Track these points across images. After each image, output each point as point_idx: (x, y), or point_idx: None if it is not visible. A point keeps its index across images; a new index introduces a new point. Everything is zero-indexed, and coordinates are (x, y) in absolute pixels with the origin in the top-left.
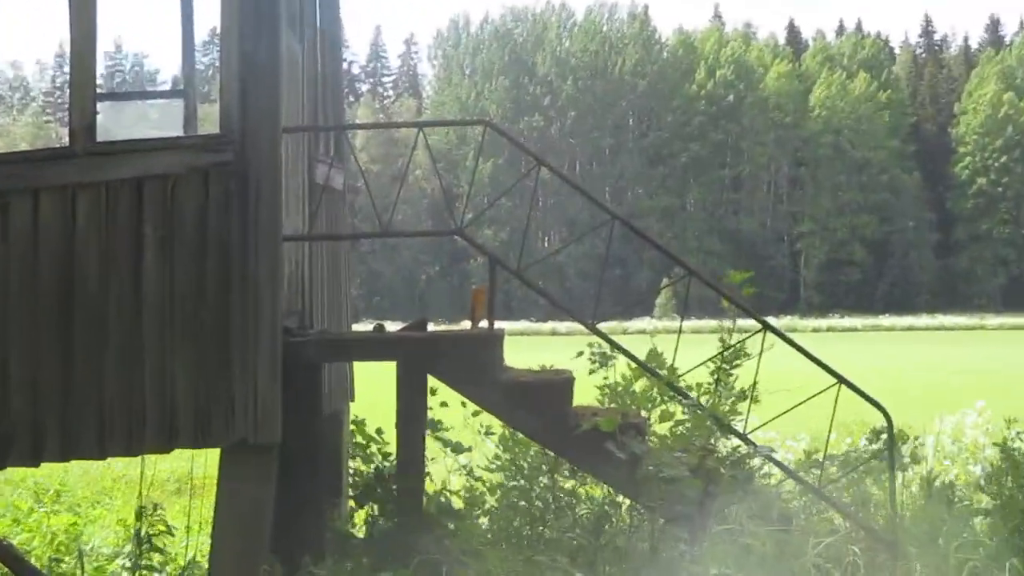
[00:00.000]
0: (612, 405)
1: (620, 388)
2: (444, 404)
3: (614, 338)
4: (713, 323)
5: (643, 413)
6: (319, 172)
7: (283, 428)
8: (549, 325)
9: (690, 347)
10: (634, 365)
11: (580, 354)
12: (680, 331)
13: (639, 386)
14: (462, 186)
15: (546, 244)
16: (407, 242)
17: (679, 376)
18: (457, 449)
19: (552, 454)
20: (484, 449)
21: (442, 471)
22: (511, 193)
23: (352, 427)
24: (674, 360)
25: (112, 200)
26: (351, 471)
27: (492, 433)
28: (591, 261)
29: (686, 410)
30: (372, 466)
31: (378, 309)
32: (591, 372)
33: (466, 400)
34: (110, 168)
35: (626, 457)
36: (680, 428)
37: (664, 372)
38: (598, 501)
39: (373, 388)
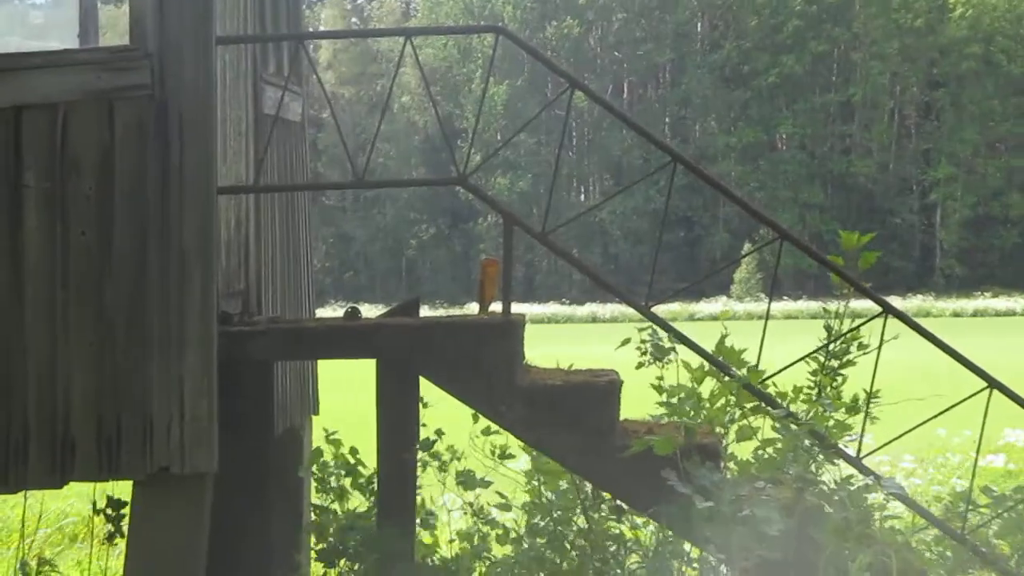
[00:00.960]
0: (674, 418)
1: (683, 395)
2: (440, 433)
3: (677, 326)
4: (814, 305)
5: (717, 430)
6: (268, 99)
7: (220, 452)
8: (587, 309)
9: (783, 337)
10: (703, 363)
11: (626, 342)
12: (768, 316)
13: (710, 392)
14: (467, 118)
15: (583, 197)
16: (391, 196)
17: (767, 378)
18: (470, 484)
19: (591, 486)
20: (500, 481)
21: (441, 510)
22: (534, 127)
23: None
24: (760, 355)
25: None
26: (314, 510)
27: (511, 456)
28: (645, 220)
29: (777, 426)
30: (343, 504)
31: (351, 287)
32: (639, 366)
33: (475, 413)
34: None
35: (692, 491)
36: (768, 451)
37: (744, 372)
38: (654, 551)
39: (344, 398)
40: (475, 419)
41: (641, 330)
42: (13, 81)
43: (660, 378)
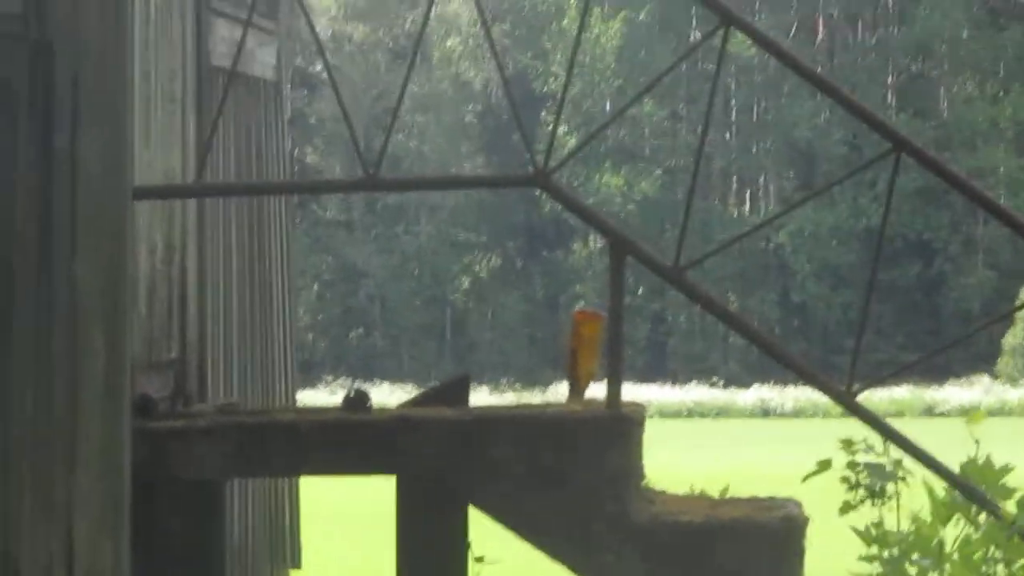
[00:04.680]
0: None
1: (908, 543)
2: None
3: (906, 426)
4: None
5: None
6: (221, 41)
7: None
8: (753, 395)
9: None
10: (946, 491)
11: (824, 467)
12: None
13: (956, 540)
14: (554, 74)
15: (747, 210)
16: (428, 205)
17: None
18: None
19: None
20: None
21: None
22: (666, 91)
23: None
24: None
25: None
26: None
27: None
28: (851, 247)
29: None
30: None
31: (360, 355)
32: (845, 509)
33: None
34: None
35: None
36: None
37: (1017, 509)
38: None
39: (343, 542)
40: None
41: (849, 447)
42: None
43: (877, 523)
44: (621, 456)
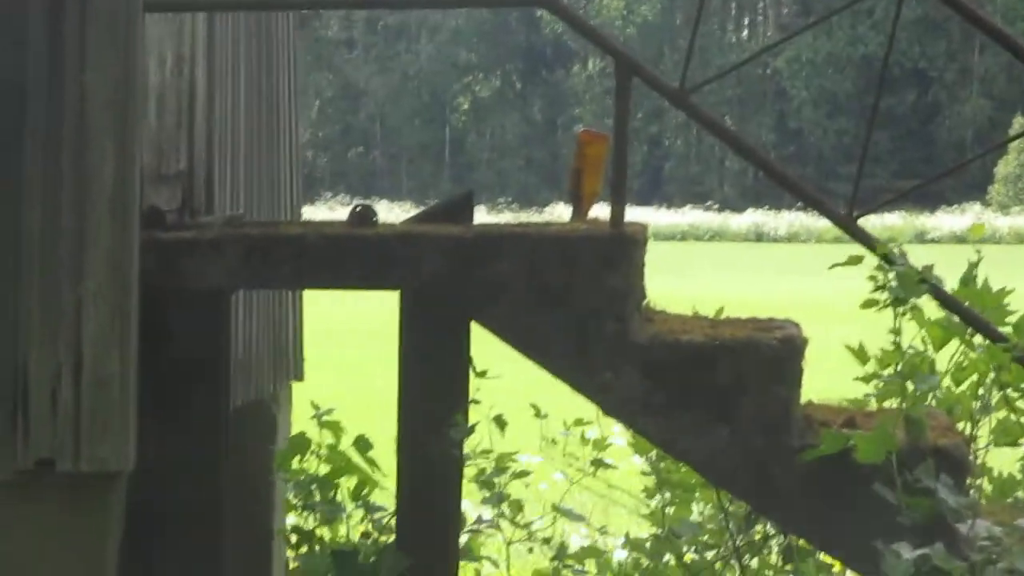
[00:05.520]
0: (891, 403)
1: (905, 364)
2: (500, 421)
3: (899, 248)
4: None
5: (961, 425)
6: None
7: (141, 438)
8: (748, 219)
9: None
10: (938, 312)
11: (856, 260)
12: None
13: (951, 361)
14: None
15: (746, 35)
16: (428, 24)
17: None
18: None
19: (747, 510)
20: (602, 502)
21: (500, 547)
22: None
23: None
24: None
25: None
26: (292, 534)
27: (608, 465)
28: (849, 75)
29: None
30: (338, 528)
31: (361, 173)
32: (867, 305)
33: (560, 383)
34: None
35: (919, 519)
36: None
37: (1012, 331)
38: None
39: (345, 355)
40: (536, 411)
41: (882, 250)
42: None
43: (896, 330)
44: (623, 275)
